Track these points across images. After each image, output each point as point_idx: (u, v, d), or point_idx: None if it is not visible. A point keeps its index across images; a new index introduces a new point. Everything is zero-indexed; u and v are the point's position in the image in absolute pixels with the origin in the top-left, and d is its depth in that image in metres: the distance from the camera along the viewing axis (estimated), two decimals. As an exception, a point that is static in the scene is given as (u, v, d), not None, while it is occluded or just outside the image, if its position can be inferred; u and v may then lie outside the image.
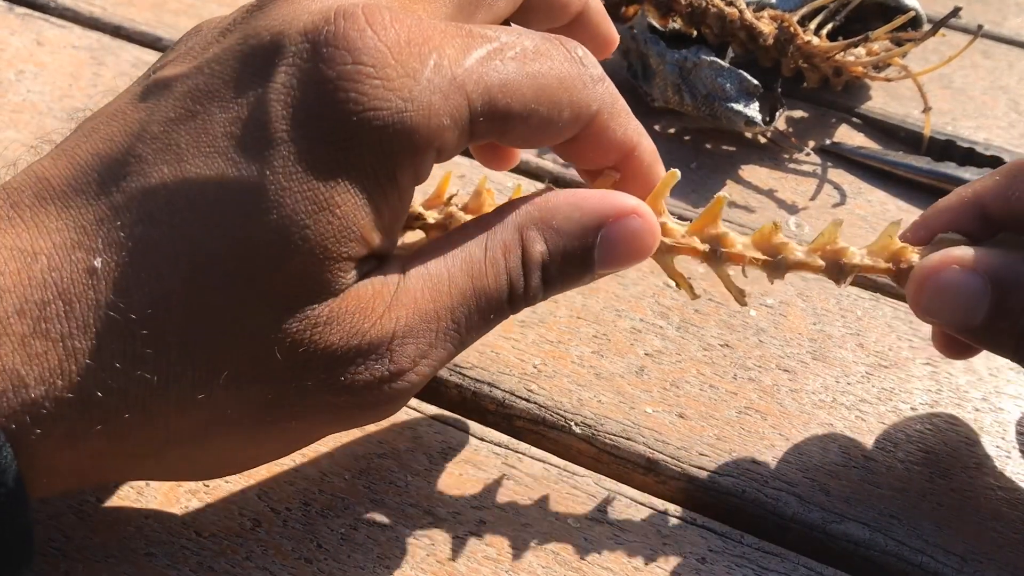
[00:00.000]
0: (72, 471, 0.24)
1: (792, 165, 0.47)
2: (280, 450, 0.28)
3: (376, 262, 0.26)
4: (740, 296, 0.30)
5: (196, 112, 0.24)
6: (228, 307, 0.23)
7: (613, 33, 0.32)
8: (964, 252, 0.28)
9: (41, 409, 0.22)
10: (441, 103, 0.24)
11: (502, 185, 0.44)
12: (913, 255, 0.30)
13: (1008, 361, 0.37)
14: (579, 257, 0.27)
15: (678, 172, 0.29)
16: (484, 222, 0.27)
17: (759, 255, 0.29)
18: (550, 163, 0.45)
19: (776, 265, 0.29)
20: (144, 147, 0.24)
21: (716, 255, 0.29)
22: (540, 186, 0.43)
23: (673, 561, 0.30)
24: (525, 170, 0.45)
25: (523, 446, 0.33)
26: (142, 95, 0.25)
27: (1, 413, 0.22)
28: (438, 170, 0.43)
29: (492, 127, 0.26)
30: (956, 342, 0.33)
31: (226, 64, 0.24)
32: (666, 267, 0.30)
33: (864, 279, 0.41)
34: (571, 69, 0.27)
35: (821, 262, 0.30)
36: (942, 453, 0.34)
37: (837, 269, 0.30)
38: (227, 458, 0.27)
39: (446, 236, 0.27)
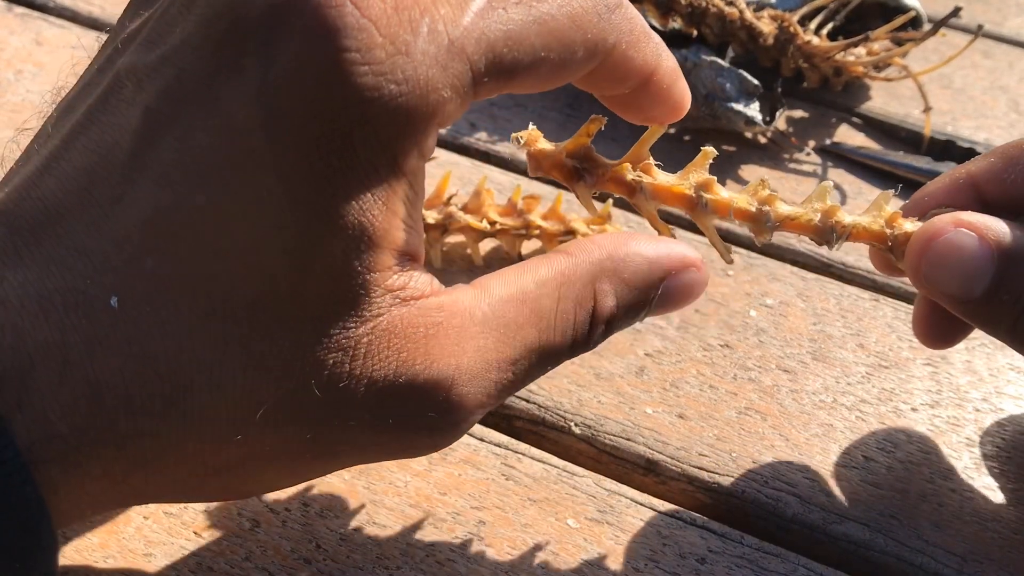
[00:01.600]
0: (107, 504, 0.24)
1: (792, 165, 0.47)
2: (319, 475, 0.27)
3: (411, 263, 0.24)
4: (726, 252, 0.29)
5: (175, 119, 0.22)
6: (255, 339, 0.22)
7: (684, 96, 0.28)
8: (974, 216, 0.27)
9: (77, 457, 0.21)
10: (439, 75, 0.22)
11: (502, 185, 0.44)
12: (907, 223, 0.28)
13: (1009, 361, 0.37)
14: (640, 306, 0.27)
15: (665, 124, 0.28)
16: (558, 265, 0.26)
17: (745, 205, 0.28)
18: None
19: (763, 218, 0.28)
20: (128, 164, 0.22)
21: (701, 202, 0.28)
22: (540, 186, 0.43)
23: (673, 561, 0.30)
24: (525, 170, 0.45)
25: (523, 446, 0.33)
26: (113, 90, 0.23)
27: (36, 461, 0.21)
28: (438, 170, 0.43)
29: (498, 84, 0.24)
30: (938, 326, 0.32)
31: (194, 59, 0.22)
32: (649, 215, 0.28)
33: (864, 279, 0.41)
34: (584, 2, 0.24)
35: (812, 216, 0.28)
36: (942, 454, 0.34)
37: (828, 229, 0.28)
38: (264, 486, 0.26)
39: (516, 269, 0.26)
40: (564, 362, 0.26)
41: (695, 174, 0.28)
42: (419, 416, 0.24)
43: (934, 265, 0.27)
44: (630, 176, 0.28)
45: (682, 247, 0.27)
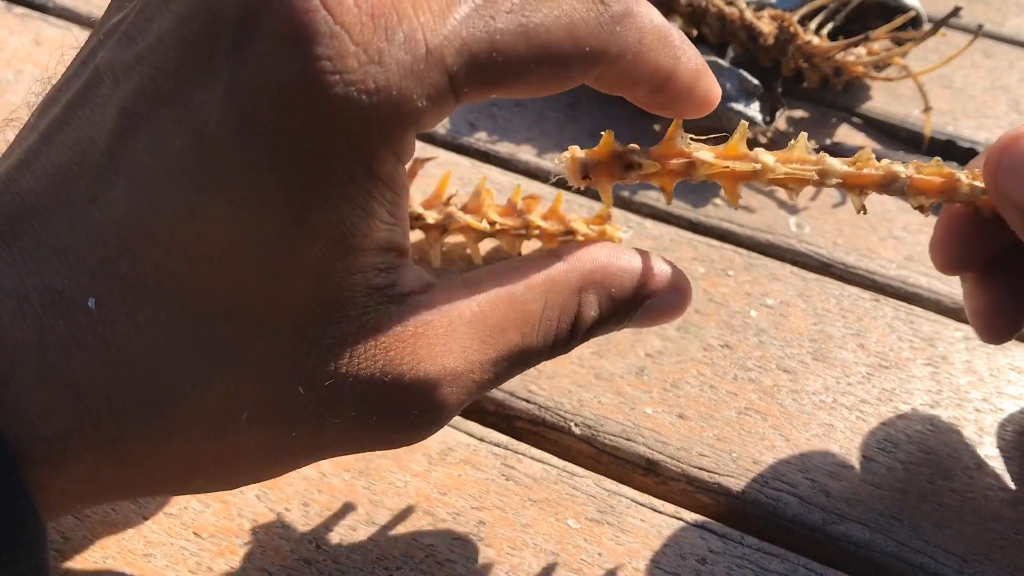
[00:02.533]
0: (93, 500, 0.24)
1: (792, 165, 0.47)
2: (302, 466, 0.27)
3: (398, 258, 0.23)
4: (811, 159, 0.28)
5: (149, 120, 0.22)
6: (237, 342, 0.22)
7: (708, 95, 0.27)
8: None
9: (61, 459, 0.21)
10: (413, 85, 0.21)
11: (502, 185, 0.43)
12: (963, 174, 0.28)
13: (1009, 361, 0.37)
14: (620, 319, 0.27)
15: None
16: (549, 269, 0.26)
17: (806, 155, 0.27)
18: (550, 163, 0.45)
19: (829, 168, 0.27)
20: (104, 163, 0.22)
21: (761, 160, 0.27)
22: (540, 186, 0.43)
23: (673, 562, 0.30)
24: (525, 170, 0.45)
25: (523, 447, 0.33)
26: (92, 85, 0.23)
27: (21, 457, 0.21)
28: (438, 170, 0.43)
29: (482, 92, 0.23)
30: (1000, 315, 0.31)
31: (168, 59, 0.22)
32: (716, 168, 0.28)
33: (864, 279, 0.41)
34: (584, 12, 0.23)
35: (872, 162, 0.27)
36: (943, 454, 0.34)
37: (892, 175, 0.27)
38: (249, 479, 0.26)
39: (508, 268, 0.26)
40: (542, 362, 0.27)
41: (739, 142, 0.28)
42: (402, 414, 0.24)
43: (1012, 167, 0.26)
44: (681, 144, 0.27)
45: (671, 269, 0.28)
